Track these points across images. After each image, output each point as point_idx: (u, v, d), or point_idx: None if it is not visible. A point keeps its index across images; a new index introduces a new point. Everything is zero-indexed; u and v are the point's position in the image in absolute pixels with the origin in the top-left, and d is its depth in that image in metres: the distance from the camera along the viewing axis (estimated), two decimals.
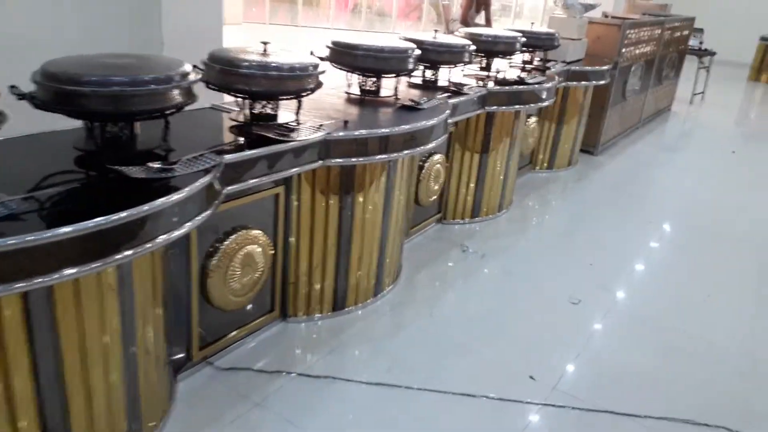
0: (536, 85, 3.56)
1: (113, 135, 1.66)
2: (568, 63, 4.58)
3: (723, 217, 4.25)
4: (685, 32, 7.29)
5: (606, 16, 6.55)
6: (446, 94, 3.02)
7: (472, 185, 3.61)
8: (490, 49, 3.56)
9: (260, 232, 2.15)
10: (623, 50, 5.14)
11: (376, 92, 2.81)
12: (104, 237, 1.33)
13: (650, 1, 11.09)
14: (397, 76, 2.77)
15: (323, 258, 2.43)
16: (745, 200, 4.63)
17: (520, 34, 3.68)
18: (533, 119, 4.34)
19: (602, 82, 4.74)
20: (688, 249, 3.65)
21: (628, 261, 3.43)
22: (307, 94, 2.16)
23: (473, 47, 3.22)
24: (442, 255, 3.22)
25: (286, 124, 2.16)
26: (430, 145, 2.59)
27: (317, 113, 2.40)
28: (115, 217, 1.32)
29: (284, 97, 2.14)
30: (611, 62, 4.99)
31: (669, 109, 7.62)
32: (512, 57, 3.98)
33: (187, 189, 1.52)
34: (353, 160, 2.24)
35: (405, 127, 2.37)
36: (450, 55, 3.10)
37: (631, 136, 6.15)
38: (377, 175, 2.46)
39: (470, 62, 3.23)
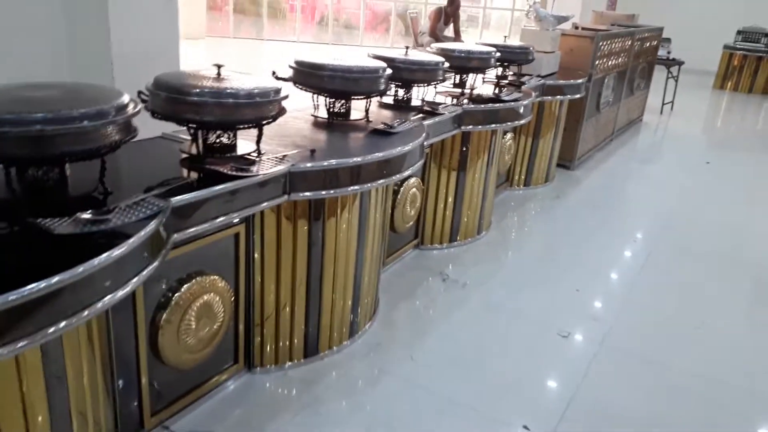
0: (513, 102, 3.39)
1: (36, 180, 1.40)
2: (543, 77, 4.44)
3: (706, 233, 4.14)
4: (654, 42, 7.27)
5: (577, 28, 6.47)
6: (420, 115, 2.82)
7: (449, 208, 3.42)
8: (464, 65, 3.38)
9: (218, 276, 1.91)
10: (596, 62, 5.03)
11: (346, 115, 2.59)
12: (16, 313, 1.08)
13: (617, 11, 11.16)
14: (368, 97, 2.56)
15: (292, 300, 2.19)
16: (727, 215, 4.53)
17: (494, 49, 3.51)
18: (509, 136, 4.18)
19: (578, 96, 4.62)
20: (675, 270, 3.51)
21: (615, 285, 3.27)
22: (269, 122, 1.93)
23: (446, 64, 3.04)
24: (421, 285, 3.01)
25: (246, 155, 1.93)
26: (407, 172, 2.38)
27: (281, 141, 2.17)
28: (25, 291, 1.07)
29: (242, 127, 1.91)
30: (585, 75, 4.88)
31: (641, 119, 7.58)
32: (486, 73, 3.81)
33: (123, 246, 1.27)
34: (322, 193, 2.01)
35: (378, 155, 2.16)
36: (423, 74, 2.91)
37: (606, 148, 6.06)
38: (349, 207, 2.24)
39: (444, 80, 3.04)
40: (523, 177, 4.63)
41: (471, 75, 3.64)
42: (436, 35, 7.41)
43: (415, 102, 3.11)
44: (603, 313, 2.93)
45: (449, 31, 7.71)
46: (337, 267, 2.28)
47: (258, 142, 1.98)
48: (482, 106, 3.22)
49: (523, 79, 4.18)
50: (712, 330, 2.84)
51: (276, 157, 1.92)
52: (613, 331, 2.75)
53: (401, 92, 3.08)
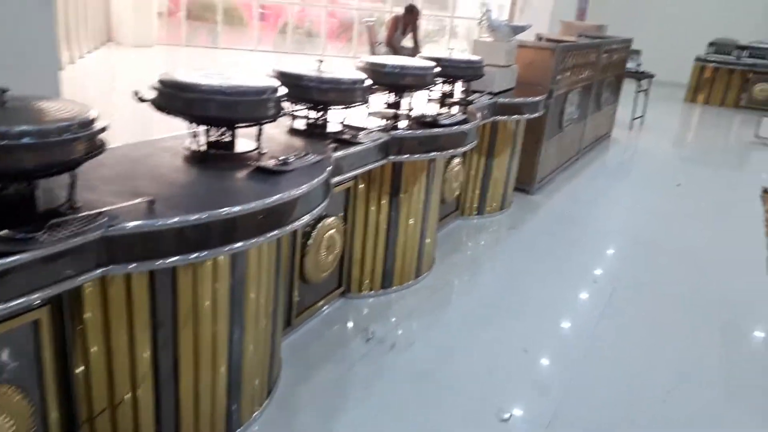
0: (453, 127, 2.91)
1: None
2: (496, 94, 3.98)
3: (674, 269, 3.69)
4: (623, 54, 6.89)
5: (540, 39, 6.05)
6: (333, 145, 2.32)
7: (380, 250, 2.91)
8: (397, 82, 2.89)
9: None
10: (558, 77, 4.59)
11: (229, 146, 2.07)
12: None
13: (586, 22, 10.84)
14: (257, 124, 2.04)
15: (134, 397, 1.66)
16: (696, 246, 4.10)
17: (434, 64, 3.03)
18: (456, 161, 3.70)
19: (536, 114, 4.16)
20: (638, 318, 3.04)
21: (569, 341, 2.79)
22: (79, 163, 1.40)
23: (368, 82, 2.54)
24: (339, 349, 2.49)
25: (57, 208, 1.41)
26: (300, 221, 1.87)
27: (122, 185, 1.64)
28: None
29: (47, 173, 1.38)
30: (546, 91, 4.43)
31: (609, 135, 7.19)
32: (426, 90, 3.33)
33: None
34: (157, 263, 1.49)
35: (250, 206, 1.64)
36: (337, 94, 2.41)
37: (570, 169, 5.63)
38: (217, 274, 1.72)
39: (365, 101, 2.54)
40: (475, 204, 4.15)
41: (412, 93, 3.15)
42: (393, 45, 6.94)
43: (334, 127, 2.60)
44: (553, 382, 2.44)
45: (408, 41, 7.25)
46: (200, 355, 1.75)
47: (70, 192, 1.45)
48: (414, 132, 2.73)
49: (473, 97, 3.71)
50: (680, 402, 2.37)
51: (87, 216, 1.39)
52: (563, 409, 2.25)
53: (318, 115, 2.57)
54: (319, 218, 2.47)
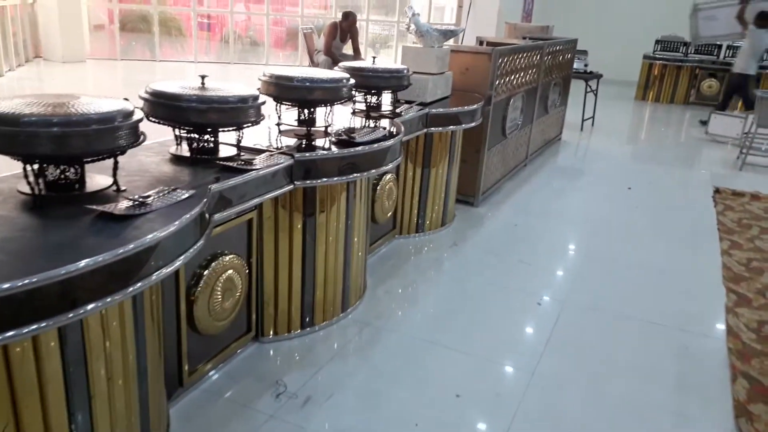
0: (373, 145, 2.60)
1: None
2: (429, 104, 3.69)
3: (625, 286, 3.45)
4: (569, 55, 6.72)
5: (481, 43, 5.82)
6: (215, 176, 1.98)
7: (296, 284, 2.59)
8: (305, 97, 2.57)
9: None
10: (497, 82, 4.34)
11: (70, 187, 1.70)
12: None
13: (532, 23, 10.74)
14: (110, 157, 1.69)
15: None
16: (648, 257, 3.89)
17: (348, 76, 2.72)
18: (388, 177, 3.40)
19: (473, 124, 3.89)
20: (585, 349, 2.77)
21: (507, 385, 2.49)
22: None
23: (262, 99, 2.21)
24: (243, 411, 2.15)
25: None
26: (161, 273, 1.53)
27: None
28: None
29: None
30: (484, 98, 4.18)
31: (559, 138, 7.01)
32: (345, 104, 3.02)
33: None
34: None
35: (67, 270, 1.30)
36: (221, 115, 2.07)
37: (518, 176, 5.39)
38: (40, 352, 1.37)
39: (257, 121, 2.22)
40: (414, 221, 3.86)
41: (328, 107, 2.84)
42: (332, 54, 6.62)
43: (228, 151, 2.27)
44: None
45: (347, 49, 6.95)
46: None
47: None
48: (324, 153, 2.41)
49: (401, 108, 3.42)
50: None
51: None
52: None
53: (206, 139, 2.24)
54: (212, 257, 2.14)
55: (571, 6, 12.67)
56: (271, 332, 2.58)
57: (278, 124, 2.74)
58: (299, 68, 2.70)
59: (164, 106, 2.04)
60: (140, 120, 1.70)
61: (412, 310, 3.00)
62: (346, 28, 6.71)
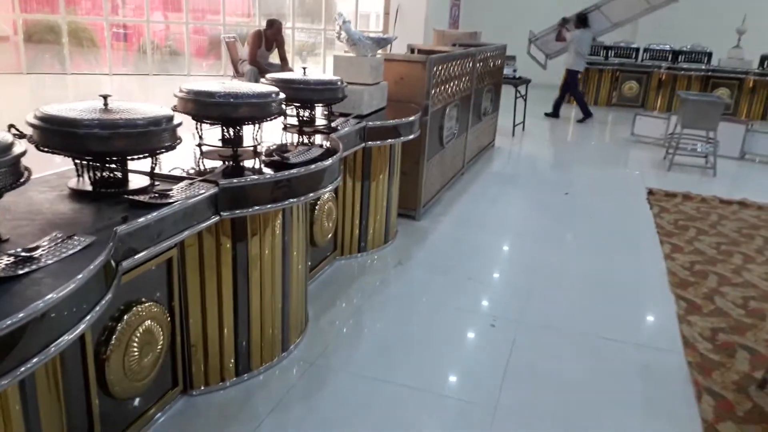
0: (310, 165, 2.35)
1: None
2: (365, 116, 3.47)
3: (575, 298, 3.35)
4: (499, 61, 6.68)
5: (413, 51, 5.67)
6: (121, 218, 1.67)
7: (228, 327, 2.28)
8: (229, 114, 2.28)
9: None
10: (433, 91, 4.17)
11: None
12: None
13: (459, 30, 10.75)
14: None
15: None
16: (593, 264, 3.81)
17: (277, 90, 2.45)
18: (327, 196, 3.14)
19: (412, 136, 3.69)
20: (550, 376, 2.61)
21: (471, 422, 2.28)
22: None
23: (177, 120, 1.92)
24: None
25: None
26: (35, 360, 1.22)
27: None
28: None
29: None
30: (421, 108, 3.99)
31: (492, 145, 6.96)
32: (275, 119, 2.75)
33: None
34: None
35: None
36: (126, 141, 1.76)
37: (457, 185, 5.25)
38: None
39: (172, 146, 1.92)
40: (355, 241, 3.61)
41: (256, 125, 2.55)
42: (257, 63, 6.30)
43: (139, 181, 1.95)
44: None
45: (274, 58, 6.63)
46: None
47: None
48: (252, 179, 2.13)
49: (337, 122, 3.17)
50: None
51: None
52: None
53: (116, 172, 1.91)
54: (126, 307, 1.82)
55: (497, 11, 12.81)
56: (202, 384, 2.27)
57: (200, 146, 2.43)
58: (220, 82, 2.40)
59: (58, 134, 1.71)
60: (21, 155, 1.37)
61: (358, 343, 2.75)
62: (271, 37, 6.39)
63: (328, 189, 2.51)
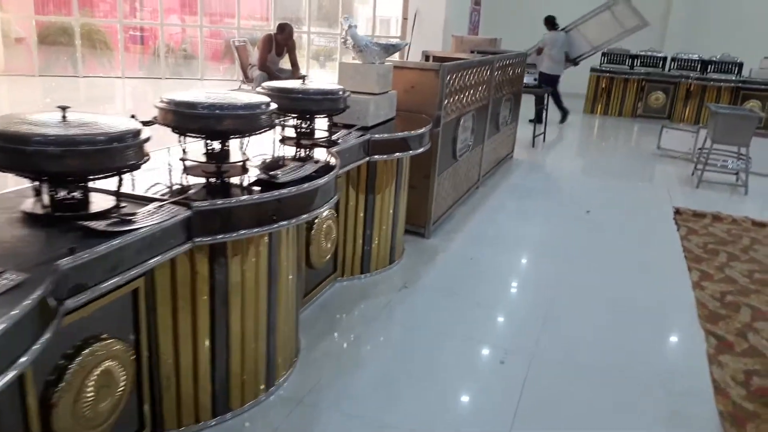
0: (298, 187, 2.12)
1: None
2: (370, 128, 3.24)
3: (597, 329, 3.07)
4: (519, 70, 6.41)
5: (427, 58, 5.43)
6: (69, 247, 1.45)
7: (204, 365, 2.06)
8: (212, 128, 2.06)
9: None
10: (446, 101, 3.93)
11: None
12: None
13: (479, 36, 10.49)
14: None
15: None
16: (618, 291, 3.54)
17: (268, 100, 2.23)
18: (327, 213, 2.92)
19: (421, 150, 3.45)
20: (566, 420, 2.35)
21: None
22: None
23: (144, 135, 1.70)
24: None
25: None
26: None
27: None
28: None
29: None
30: (432, 119, 3.75)
31: (511, 157, 6.68)
32: (266, 132, 2.53)
33: None
34: None
35: None
36: (82, 160, 1.55)
37: (471, 200, 5.00)
38: None
39: (136, 166, 1.70)
40: (358, 261, 3.38)
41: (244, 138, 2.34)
42: (267, 68, 6.11)
43: (102, 203, 1.74)
44: None
45: (285, 63, 6.44)
46: None
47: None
48: (227, 201, 1.91)
49: (339, 134, 2.95)
50: None
51: None
52: None
53: (74, 193, 1.70)
54: (84, 343, 1.61)
55: (518, 18, 12.52)
56: (175, 425, 2.04)
57: (183, 160, 2.22)
58: (207, 91, 2.19)
59: (5, 152, 1.50)
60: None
61: (353, 378, 2.51)
62: (281, 41, 6.21)
63: (321, 210, 2.28)
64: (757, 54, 9.86)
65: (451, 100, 4.06)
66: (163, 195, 1.86)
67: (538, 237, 4.46)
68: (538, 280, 3.66)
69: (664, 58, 10.46)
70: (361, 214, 3.29)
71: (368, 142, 3.09)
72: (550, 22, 8.86)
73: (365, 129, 3.22)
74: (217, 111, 2.05)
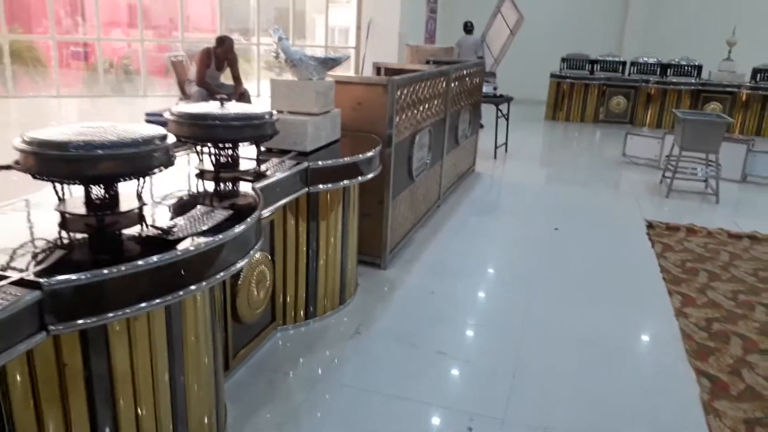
0: (207, 244, 1.67)
1: None
2: (310, 153, 2.81)
3: (581, 389, 2.69)
4: (477, 79, 6.06)
5: (378, 71, 5.03)
6: None
7: None
8: (84, 173, 1.60)
9: None
10: (397, 118, 3.53)
11: None
12: None
13: (435, 44, 10.18)
14: None
15: None
16: (601, 338, 3.16)
17: (162, 132, 1.78)
18: (258, 256, 2.47)
19: (371, 175, 3.04)
20: None
21: None
22: None
23: None
24: None
25: None
26: None
27: None
28: None
29: None
30: (383, 138, 3.35)
31: (473, 170, 6.33)
32: (150, 176, 2.07)
33: None
34: None
35: None
36: None
37: (430, 221, 4.60)
38: None
39: None
40: (302, 306, 2.94)
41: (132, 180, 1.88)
42: (206, 84, 5.63)
43: None
44: None
45: (226, 78, 5.97)
46: None
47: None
48: (93, 275, 1.45)
49: (269, 163, 2.51)
50: None
51: None
52: None
53: None
54: None
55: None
56: None
57: (61, 212, 1.75)
58: (84, 124, 1.73)
59: None
60: None
61: None
62: (221, 55, 5.73)
63: (237, 267, 1.83)
64: (716, 56, 9.80)
65: (404, 116, 3.66)
66: (2, 270, 1.39)
67: (502, 261, 4.08)
68: (504, 319, 3.22)
69: (623, 63, 10.32)
70: (303, 253, 2.85)
71: (306, 171, 2.66)
72: (464, 26, 8.95)
73: (304, 155, 2.79)
74: (96, 152, 1.60)
